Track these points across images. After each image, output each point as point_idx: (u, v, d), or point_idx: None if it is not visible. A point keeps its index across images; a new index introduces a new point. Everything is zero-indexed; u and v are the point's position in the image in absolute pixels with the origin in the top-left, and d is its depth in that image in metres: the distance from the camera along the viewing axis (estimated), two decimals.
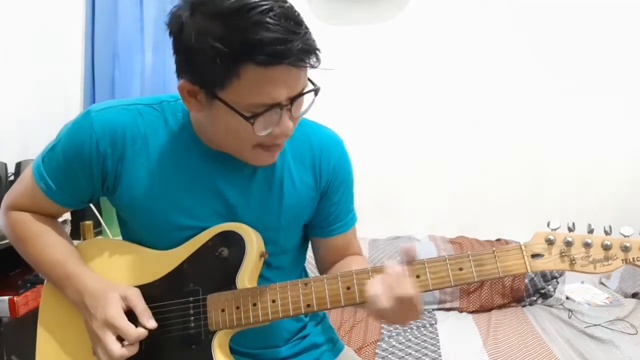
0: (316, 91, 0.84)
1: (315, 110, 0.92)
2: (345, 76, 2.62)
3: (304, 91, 0.82)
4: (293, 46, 0.74)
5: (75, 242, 1.00)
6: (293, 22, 0.76)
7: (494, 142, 2.69)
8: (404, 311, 0.80)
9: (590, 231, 0.80)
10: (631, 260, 0.77)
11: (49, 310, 0.98)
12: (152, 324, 0.87)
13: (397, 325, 2.06)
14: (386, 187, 2.73)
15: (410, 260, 0.84)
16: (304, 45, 0.76)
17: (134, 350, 0.85)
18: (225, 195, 0.94)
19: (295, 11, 0.79)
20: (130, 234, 0.99)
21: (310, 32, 0.79)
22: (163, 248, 0.95)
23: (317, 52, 0.79)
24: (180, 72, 0.83)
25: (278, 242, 0.98)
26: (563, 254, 0.80)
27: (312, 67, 0.80)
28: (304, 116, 1.00)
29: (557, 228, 0.81)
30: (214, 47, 0.75)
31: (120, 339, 0.85)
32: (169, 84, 2.57)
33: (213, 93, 0.79)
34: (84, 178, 0.91)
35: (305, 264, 1.12)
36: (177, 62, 0.83)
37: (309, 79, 0.84)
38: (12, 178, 2.00)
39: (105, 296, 0.87)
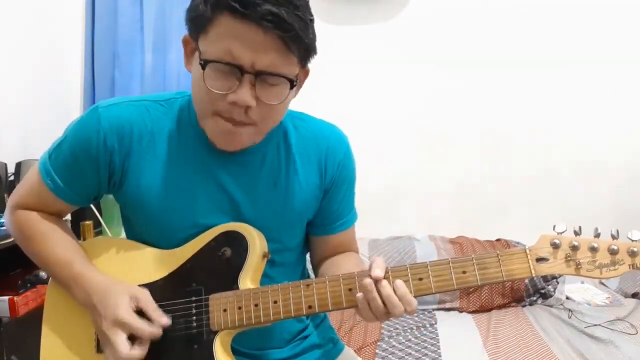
0: (291, 82, 0.83)
1: (316, 109, 0.93)
2: (345, 75, 2.62)
3: (274, 73, 0.81)
4: (264, 5, 0.75)
5: None
6: None
7: (494, 142, 2.70)
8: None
9: (597, 235, 0.78)
10: (638, 265, 0.75)
11: (54, 309, 0.98)
12: (165, 320, 0.87)
13: (397, 326, 2.07)
14: (387, 187, 2.73)
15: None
16: (275, 10, 0.75)
17: (143, 352, 0.85)
18: (230, 191, 0.94)
19: None
20: (134, 232, 0.99)
21: (298, 15, 0.78)
22: (167, 245, 0.95)
23: (292, 29, 0.77)
24: (186, 23, 0.86)
25: (282, 239, 0.98)
26: (569, 258, 0.78)
27: (284, 42, 0.78)
28: (308, 112, 1.01)
29: (563, 231, 0.79)
30: None
31: (130, 339, 0.85)
32: (169, 84, 2.58)
33: (196, 42, 0.82)
34: (91, 174, 0.91)
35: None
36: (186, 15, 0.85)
37: (296, 76, 0.83)
38: (12, 178, 1.99)
39: (115, 296, 0.87)
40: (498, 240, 2.49)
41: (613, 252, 0.76)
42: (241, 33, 0.77)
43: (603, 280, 2.54)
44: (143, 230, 0.97)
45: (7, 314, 1.65)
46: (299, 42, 0.79)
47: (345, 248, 1.07)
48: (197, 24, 0.81)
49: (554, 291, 2.31)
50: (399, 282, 0.82)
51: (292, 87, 0.84)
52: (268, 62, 0.79)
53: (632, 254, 0.76)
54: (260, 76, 0.80)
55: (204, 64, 0.79)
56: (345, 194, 1.04)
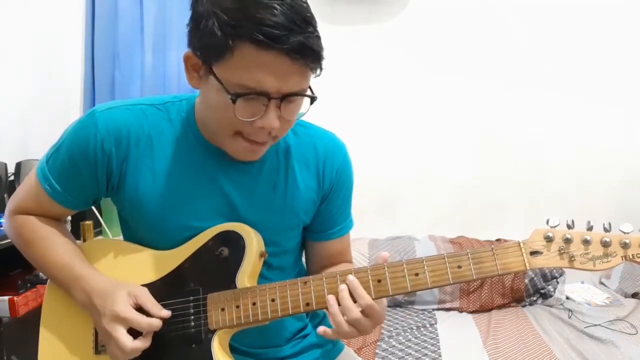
0: (312, 99, 0.84)
1: (316, 109, 0.93)
2: (345, 76, 2.62)
3: (299, 93, 0.82)
4: (291, 35, 0.75)
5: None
6: (300, 18, 0.76)
7: (494, 142, 2.70)
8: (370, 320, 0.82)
9: (590, 228, 0.79)
10: (630, 257, 0.76)
11: (51, 310, 0.98)
12: (165, 313, 0.87)
13: (397, 326, 2.07)
14: (386, 187, 2.74)
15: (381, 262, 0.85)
16: (303, 41, 0.76)
17: (146, 343, 0.85)
18: (229, 194, 0.94)
19: (308, 12, 0.79)
20: (132, 234, 0.99)
21: (317, 36, 0.79)
22: (165, 248, 0.95)
23: (318, 55, 0.79)
24: (188, 42, 0.84)
25: (279, 242, 0.99)
26: (562, 251, 0.79)
27: (309, 67, 0.80)
28: (309, 120, 1.01)
29: (556, 225, 0.80)
30: (218, 16, 0.76)
31: (131, 333, 0.85)
32: (169, 84, 2.58)
33: (209, 66, 0.80)
34: (89, 178, 0.91)
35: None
36: (188, 32, 0.83)
37: (310, 88, 0.84)
38: (12, 178, 2.00)
39: (114, 293, 0.87)
40: (498, 240, 2.49)
41: (606, 245, 0.77)
42: (267, 62, 0.76)
43: (603, 280, 2.54)
44: (141, 232, 0.97)
45: (7, 314, 1.65)
46: (320, 61, 0.81)
47: (341, 256, 1.08)
48: (212, 50, 0.78)
49: (554, 291, 2.31)
50: (350, 277, 0.83)
51: (312, 102, 0.85)
52: (293, 85, 0.80)
53: (625, 246, 0.76)
54: (285, 99, 0.81)
55: (235, 97, 0.78)
56: (343, 200, 1.05)
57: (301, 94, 0.82)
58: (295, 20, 0.75)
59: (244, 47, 0.76)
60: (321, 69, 0.82)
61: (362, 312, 0.82)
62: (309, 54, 0.77)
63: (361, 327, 0.83)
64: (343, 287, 0.83)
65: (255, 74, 0.77)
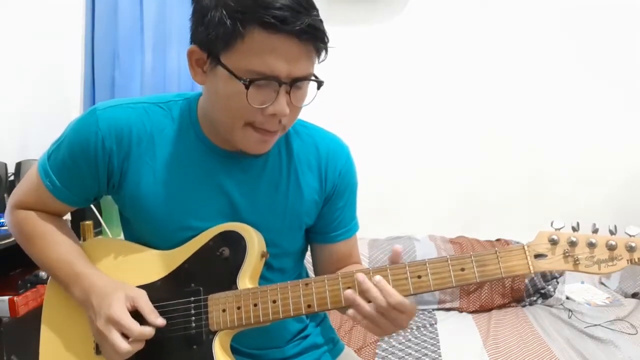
0: (319, 84, 0.85)
1: (316, 109, 0.93)
2: (345, 76, 2.62)
3: (307, 77, 0.83)
4: (300, 17, 0.76)
5: None
6: (305, 0, 0.78)
7: (494, 142, 2.70)
8: (400, 318, 0.82)
9: (595, 231, 0.78)
10: (636, 260, 0.75)
11: (52, 309, 0.98)
12: (160, 321, 0.87)
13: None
14: (386, 187, 2.73)
15: (394, 262, 0.85)
16: (311, 22, 0.78)
17: (139, 346, 0.85)
18: (231, 194, 0.94)
19: None
20: (133, 233, 0.99)
21: (321, 20, 0.81)
22: (166, 247, 0.95)
23: (325, 36, 0.81)
24: (192, 37, 0.84)
25: (281, 244, 0.98)
26: (567, 254, 0.78)
27: (316, 50, 0.82)
28: (309, 121, 1.02)
29: (561, 228, 0.79)
30: (225, 5, 0.77)
31: (125, 336, 0.84)
32: (169, 84, 2.57)
33: (217, 57, 0.81)
34: (90, 175, 0.91)
35: (305, 263, 1.12)
36: (192, 26, 0.84)
37: (315, 75, 0.85)
38: (12, 178, 1.99)
39: (111, 295, 0.86)
40: (498, 240, 2.49)
41: (611, 248, 0.76)
42: (277, 46, 0.78)
43: (603, 280, 2.54)
44: (142, 232, 0.97)
45: (7, 314, 1.65)
46: (326, 45, 0.83)
47: (348, 259, 1.07)
48: (221, 39, 0.79)
49: (554, 291, 2.31)
50: (378, 277, 0.82)
51: (319, 87, 0.86)
52: (302, 69, 0.81)
53: (630, 249, 0.75)
54: (294, 84, 0.82)
55: (248, 82, 0.79)
56: (346, 202, 1.04)
57: (309, 78, 0.83)
58: (301, 2, 0.77)
59: (253, 32, 0.77)
60: (326, 53, 0.84)
61: (395, 309, 0.81)
62: (317, 35, 0.79)
63: (398, 322, 0.82)
64: (374, 291, 0.82)
65: (266, 58, 0.78)
